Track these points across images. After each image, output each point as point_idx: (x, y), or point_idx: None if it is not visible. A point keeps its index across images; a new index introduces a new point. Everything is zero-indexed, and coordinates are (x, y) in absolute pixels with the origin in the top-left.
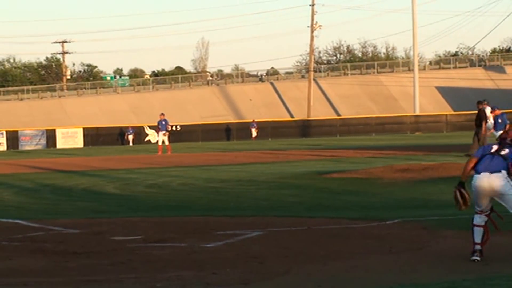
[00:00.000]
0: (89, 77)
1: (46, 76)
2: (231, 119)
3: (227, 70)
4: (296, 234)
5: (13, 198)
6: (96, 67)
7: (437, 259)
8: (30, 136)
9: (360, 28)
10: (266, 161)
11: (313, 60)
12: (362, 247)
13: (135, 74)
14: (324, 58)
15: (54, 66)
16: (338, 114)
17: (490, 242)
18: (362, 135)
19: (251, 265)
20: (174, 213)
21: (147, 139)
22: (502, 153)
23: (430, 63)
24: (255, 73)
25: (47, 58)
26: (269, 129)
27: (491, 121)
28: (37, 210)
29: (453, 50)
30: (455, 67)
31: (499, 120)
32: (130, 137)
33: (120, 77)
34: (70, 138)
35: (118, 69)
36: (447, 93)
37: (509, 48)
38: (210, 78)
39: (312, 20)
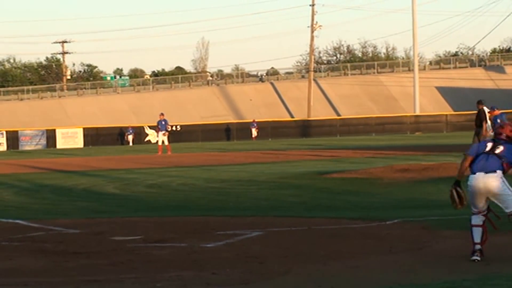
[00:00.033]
0: (89, 77)
1: (46, 76)
2: (231, 119)
3: (227, 70)
4: (296, 234)
5: (13, 198)
6: (96, 67)
7: (437, 259)
8: (30, 136)
9: (360, 28)
10: (266, 161)
11: (313, 60)
12: (362, 247)
13: (135, 74)
14: (324, 58)
15: (54, 66)
16: (338, 114)
17: (490, 242)
18: (362, 135)
19: (251, 265)
20: (174, 213)
21: (147, 139)
22: (497, 151)
23: (430, 63)
24: (255, 73)
25: (47, 58)
26: (269, 129)
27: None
28: (37, 210)
29: (453, 50)
30: (455, 67)
31: (498, 120)
32: (130, 137)
33: (120, 77)
34: (70, 138)
35: (118, 69)
36: (447, 93)
37: (509, 48)
38: (210, 78)
39: (312, 20)
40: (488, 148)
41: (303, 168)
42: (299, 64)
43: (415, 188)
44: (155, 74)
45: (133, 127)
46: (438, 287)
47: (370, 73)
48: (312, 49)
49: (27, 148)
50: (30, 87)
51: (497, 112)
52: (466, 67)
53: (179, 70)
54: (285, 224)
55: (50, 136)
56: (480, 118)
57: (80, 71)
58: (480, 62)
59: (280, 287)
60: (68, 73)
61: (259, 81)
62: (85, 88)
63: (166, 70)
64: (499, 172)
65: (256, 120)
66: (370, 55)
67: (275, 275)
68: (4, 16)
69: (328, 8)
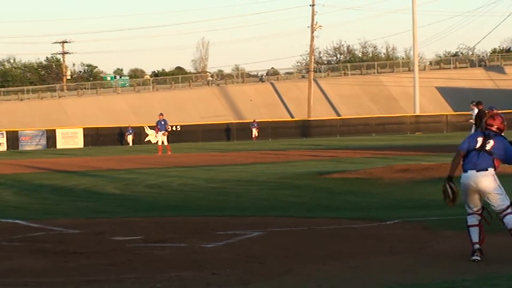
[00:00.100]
0: (89, 77)
1: (46, 76)
2: (231, 119)
3: (227, 70)
4: (296, 234)
5: (13, 198)
6: (96, 67)
7: (437, 259)
8: (30, 136)
9: (360, 28)
10: (266, 161)
11: (313, 60)
12: (362, 247)
13: (135, 74)
14: (324, 58)
15: (54, 66)
16: (338, 114)
17: (490, 242)
18: (362, 135)
19: (251, 266)
20: (174, 213)
21: (147, 139)
22: (488, 148)
23: (430, 63)
24: (255, 73)
25: (47, 58)
26: (269, 129)
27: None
28: (37, 210)
29: (453, 50)
30: (455, 67)
31: None
32: (130, 137)
33: (120, 77)
34: (70, 138)
35: (118, 69)
36: (447, 93)
37: (509, 48)
38: (210, 78)
39: (312, 20)
40: (479, 144)
41: (303, 168)
42: (299, 64)
43: (415, 188)
44: (155, 74)
45: (132, 127)
46: (438, 287)
47: (370, 73)
48: (312, 49)
49: (27, 148)
50: (30, 87)
51: (495, 112)
52: (466, 67)
53: (179, 70)
54: (285, 224)
55: (50, 136)
56: (480, 118)
57: (80, 71)
58: (480, 62)
59: (280, 287)
60: (68, 73)
61: (259, 81)
62: (85, 88)
63: (166, 70)
64: (490, 170)
65: (256, 120)
66: (370, 55)
67: (275, 275)
68: (4, 16)
69: (328, 8)
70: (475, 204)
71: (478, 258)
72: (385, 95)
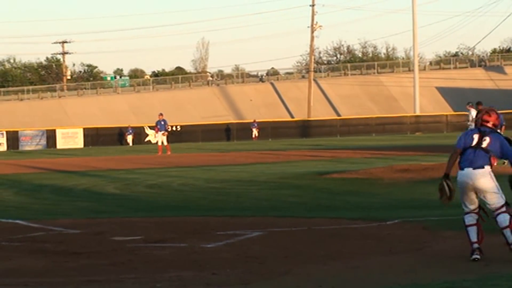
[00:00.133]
0: (89, 77)
1: (46, 76)
2: (231, 119)
3: (227, 70)
4: (297, 234)
5: (13, 198)
6: (96, 67)
7: (437, 259)
8: (30, 136)
9: (360, 29)
10: (266, 161)
11: (313, 60)
12: (362, 248)
13: (135, 74)
14: (324, 58)
15: (54, 66)
16: (338, 115)
17: (490, 242)
18: (362, 135)
19: (251, 266)
20: (174, 213)
21: (147, 139)
22: (484, 145)
23: (430, 63)
24: (255, 73)
25: (47, 58)
26: (269, 130)
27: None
28: (37, 210)
29: (453, 50)
30: (455, 68)
31: None
32: (130, 137)
33: (120, 77)
34: (70, 138)
35: (118, 69)
36: (447, 93)
37: (509, 48)
38: (210, 79)
39: (312, 20)
40: (475, 142)
41: (303, 168)
42: (299, 64)
43: (415, 188)
44: (155, 74)
45: (132, 127)
46: (438, 287)
47: (370, 73)
48: (312, 49)
49: (27, 148)
50: (30, 87)
51: (490, 107)
52: (466, 67)
53: (179, 70)
54: (285, 225)
55: (50, 136)
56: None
57: (80, 71)
58: (480, 62)
59: (280, 287)
60: (68, 73)
61: (259, 81)
62: (85, 88)
63: (166, 70)
64: (487, 168)
65: (256, 120)
66: (370, 55)
67: (275, 275)
68: (4, 16)
69: (328, 8)
70: (472, 202)
71: (478, 257)
72: (385, 95)
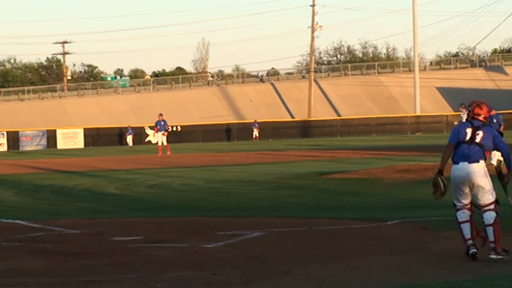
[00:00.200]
0: (90, 78)
1: (46, 76)
2: (231, 119)
3: (227, 70)
4: (297, 234)
5: (13, 199)
6: (96, 67)
7: (437, 259)
8: (31, 136)
9: (360, 29)
10: (266, 161)
11: (313, 60)
12: (362, 248)
13: (136, 74)
14: (324, 58)
15: (54, 66)
16: (339, 115)
17: None
18: (362, 135)
19: (252, 266)
20: (175, 213)
21: (147, 139)
22: (478, 139)
23: (431, 63)
24: (255, 73)
25: (47, 58)
26: (270, 130)
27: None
28: (37, 211)
29: (453, 50)
30: (455, 68)
31: (494, 120)
32: (129, 137)
33: (121, 77)
34: (70, 138)
35: (118, 69)
36: (447, 93)
37: (510, 48)
38: (211, 79)
39: (313, 20)
40: (468, 137)
41: (304, 168)
42: (299, 64)
43: (416, 188)
44: (155, 75)
45: (132, 127)
46: None
47: (370, 73)
48: (312, 50)
49: (28, 148)
50: (31, 88)
51: (493, 112)
52: (467, 67)
53: (179, 70)
54: (285, 225)
55: (51, 137)
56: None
57: (81, 72)
58: (480, 62)
59: (280, 287)
60: (69, 73)
61: (260, 81)
62: (85, 89)
63: (167, 70)
64: (482, 162)
65: (257, 120)
66: (371, 55)
67: (275, 275)
68: (5, 16)
69: (329, 9)
70: (466, 196)
71: (475, 250)
72: (385, 96)
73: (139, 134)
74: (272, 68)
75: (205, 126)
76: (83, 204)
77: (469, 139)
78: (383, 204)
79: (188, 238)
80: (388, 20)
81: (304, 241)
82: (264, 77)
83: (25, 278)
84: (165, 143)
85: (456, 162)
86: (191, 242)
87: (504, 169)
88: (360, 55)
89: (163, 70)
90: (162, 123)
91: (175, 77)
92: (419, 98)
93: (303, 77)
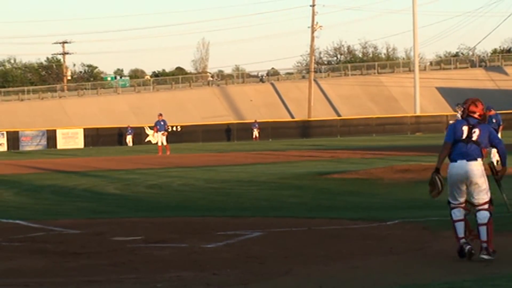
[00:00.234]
0: (90, 78)
1: (46, 76)
2: (231, 119)
3: (227, 70)
4: (297, 234)
5: (13, 199)
6: (96, 67)
7: (437, 259)
8: (31, 136)
9: (360, 29)
10: (266, 161)
11: (313, 60)
12: (362, 248)
13: (136, 74)
14: (324, 58)
15: (54, 66)
16: (339, 115)
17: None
18: (362, 135)
19: (252, 266)
20: (175, 213)
21: (147, 139)
22: (474, 138)
23: (431, 63)
24: (255, 73)
25: (47, 58)
26: (270, 130)
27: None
28: (37, 211)
29: (453, 50)
30: (455, 68)
31: (494, 120)
32: (129, 137)
33: (121, 77)
34: (70, 138)
35: (118, 69)
36: (447, 93)
37: (510, 48)
38: (211, 79)
39: (313, 20)
40: (465, 135)
41: (304, 168)
42: (299, 64)
43: (416, 188)
44: (155, 75)
45: (132, 127)
46: None
47: (370, 73)
48: (312, 50)
49: (28, 148)
50: (31, 88)
51: (492, 112)
52: (467, 67)
53: (179, 70)
54: (285, 225)
55: (51, 137)
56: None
57: (81, 72)
58: (480, 62)
59: (280, 287)
60: (69, 73)
61: (260, 81)
62: (85, 89)
63: (167, 70)
64: (479, 160)
65: (257, 120)
66: (371, 55)
67: (275, 275)
68: (5, 16)
69: (329, 9)
70: (462, 195)
71: (470, 246)
72: (385, 96)
73: (139, 134)
74: (272, 68)
75: (205, 126)
76: (83, 204)
77: (466, 138)
78: (383, 204)
79: (188, 238)
80: (388, 20)
81: (304, 241)
82: (264, 77)
83: (25, 278)
84: (164, 143)
85: (454, 160)
86: (191, 242)
87: (498, 166)
88: (360, 55)
89: (163, 70)
90: (162, 123)
91: (175, 77)
92: (419, 98)
93: (303, 77)
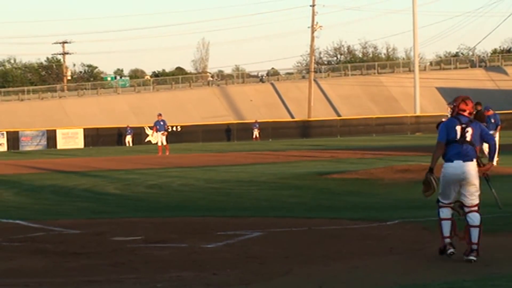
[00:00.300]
0: (90, 78)
1: (46, 76)
2: (231, 119)
3: (227, 70)
4: (297, 234)
5: (13, 199)
6: (96, 67)
7: (437, 259)
8: (31, 136)
9: (360, 29)
10: (266, 161)
11: (313, 60)
12: (362, 248)
13: (136, 74)
14: (324, 58)
15: (54, 66)
16: (339, 115)
17: (491, 242)
18: (362, 135)
19: (252, 266)
20: (175, 213)
21: (147, 139)
22: (468, 138)
23: (431, 63)
24: (255, 73)
25: (47, 58)
26: (270, 130)
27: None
28: (37, 211)
29: (453, 50)
30: (455, 68)
31: (492, 120)
32: (129, 137)
33: (121, 77)
34: (70, 138)
35: (118, 69)
36: (447, 93)
37: (510, 48)
38: (211, 79)
39: (313, 20)
40: (458, 135)
41: (304, 168)
42: (299, 64)
43: (416, 188)
44: (155, 75)
45: (131, 127)
46: None
47: (370, 73)
48: (312, 50)
49: (28, 148)
50: (31, 88)
51: (491, 112)
52: (467, 67)
53: (179, 70)
54: (285, 225)
55: (51, 137)
56: (480, 119)
57: (81, 72)
58: (480, 62)
59: (280, 287)
60: (69, 73)
61: (260, 81)
62: (85, 89)
63: (167, 70)
64: (474, 161)
65: (257, 120)
66: (371, 55)
67: (275, 275)
68: (5, 16)
69: (329, 9)
70: (453, 195)
71: (453, 250)
72: (385, 96)
73: (139, 134)
74: (272, 68)
75: (205, 126)
76: (83, 204)
77: (460, 138)
78: (383, 204)
79: (188, 238)
80: (388, 20)
81: (304, 241)
82: (264, 77)
83: (25, 278)
84: (164, 143)
85: (450, 160)
86: (191, 242)
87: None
88: (360, 55)
89: (163, 70)
90: (162, 123)
91: (175, 77)
92: (419, 98)
93: (303, 77)
